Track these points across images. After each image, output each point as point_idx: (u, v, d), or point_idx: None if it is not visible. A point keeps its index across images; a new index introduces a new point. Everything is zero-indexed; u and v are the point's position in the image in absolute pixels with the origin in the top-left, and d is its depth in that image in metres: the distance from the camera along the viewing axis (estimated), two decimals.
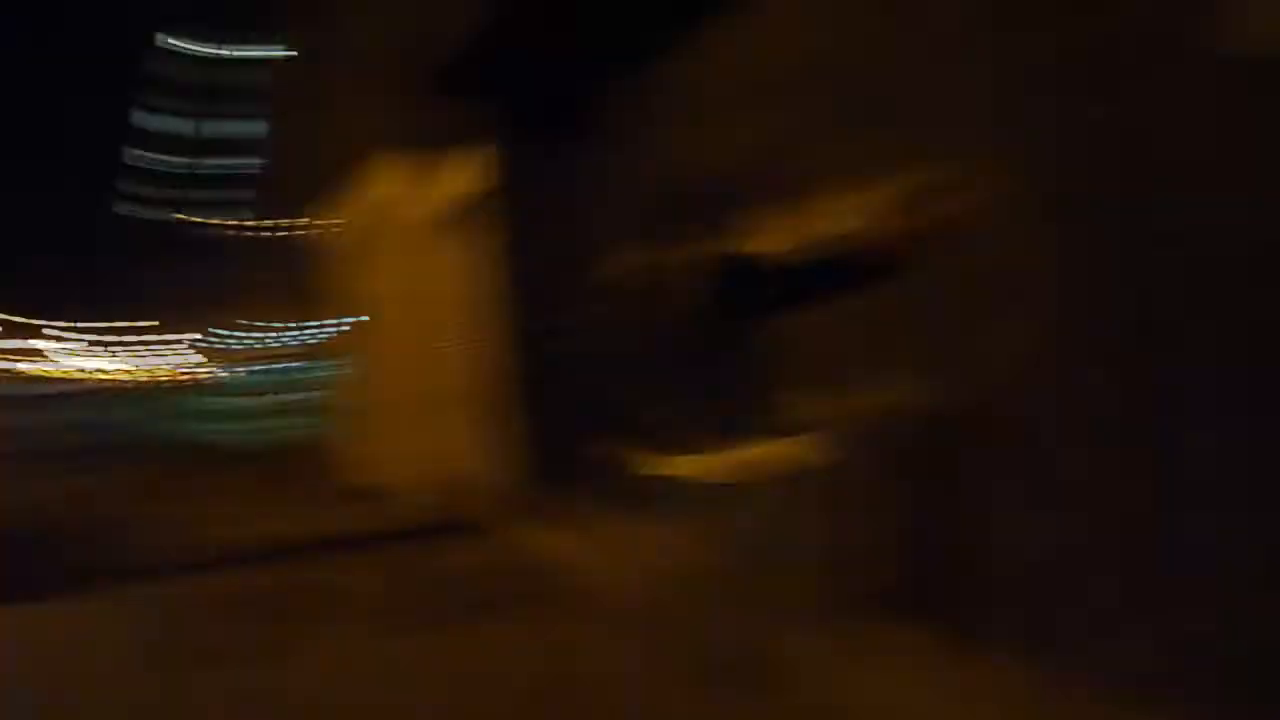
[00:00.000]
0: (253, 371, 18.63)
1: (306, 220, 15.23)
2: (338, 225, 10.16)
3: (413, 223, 7.93)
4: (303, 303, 14.06)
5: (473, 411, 6.51)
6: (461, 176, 6.44)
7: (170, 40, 48.22)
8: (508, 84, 5.62)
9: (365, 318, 9.44)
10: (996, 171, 2.93)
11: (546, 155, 5.89)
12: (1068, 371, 2.72)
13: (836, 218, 3.66)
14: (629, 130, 5.51)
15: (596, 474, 5.10)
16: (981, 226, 2.99)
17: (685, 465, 2.98)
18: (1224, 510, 2.25)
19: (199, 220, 44.60)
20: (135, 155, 48.94)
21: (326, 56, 11.31)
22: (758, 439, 2.93)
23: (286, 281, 15.13)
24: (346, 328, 10.52)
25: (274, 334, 18.03)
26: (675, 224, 4.61)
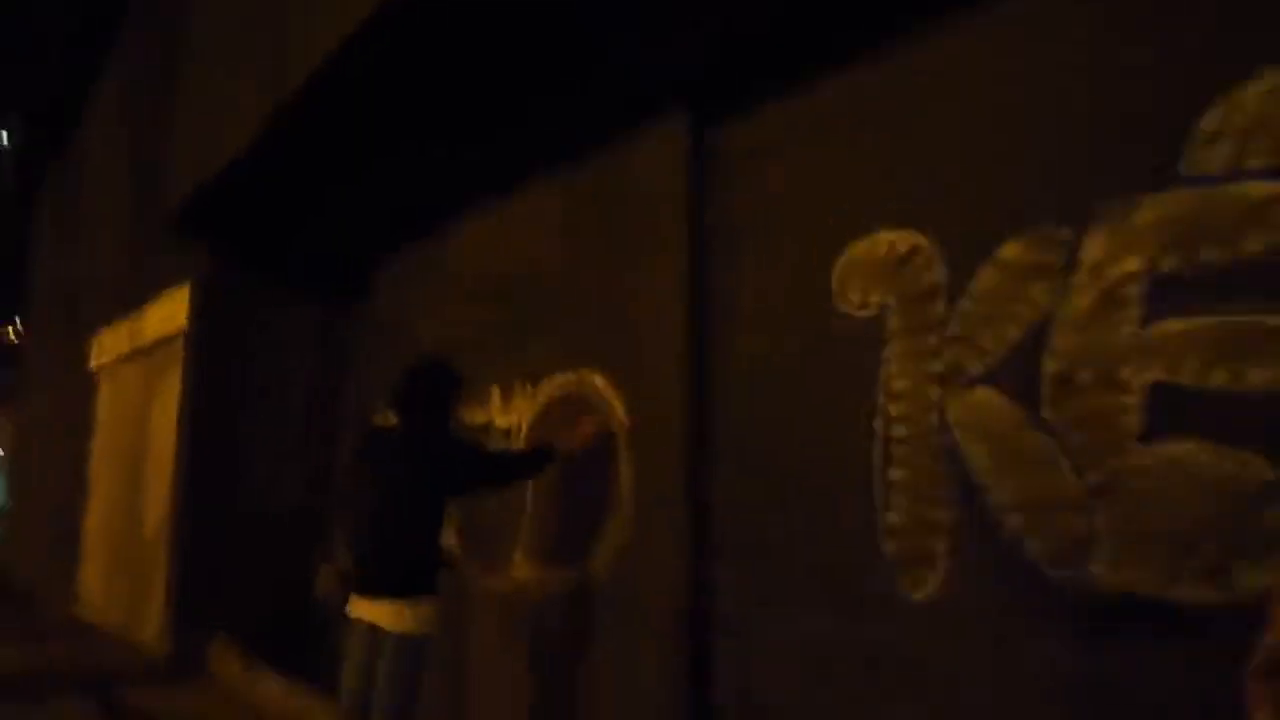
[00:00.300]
0: None
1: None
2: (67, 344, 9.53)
3: (129, 354, 7.64)
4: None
5: (160, 553, 6.19)
6: (176, 312, 6.33)
7: None
8: (228, 229, 5.70)
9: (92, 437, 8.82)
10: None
11: (259, 304, 5.95)
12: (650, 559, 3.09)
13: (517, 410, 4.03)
14: (351, 299, 5.80)
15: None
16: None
17: (372, 610, 3.02)
18: None
19: None
20: None
21: (81, 182, 10.90)
22: (420, 595, 3.05)
23: None
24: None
25: None
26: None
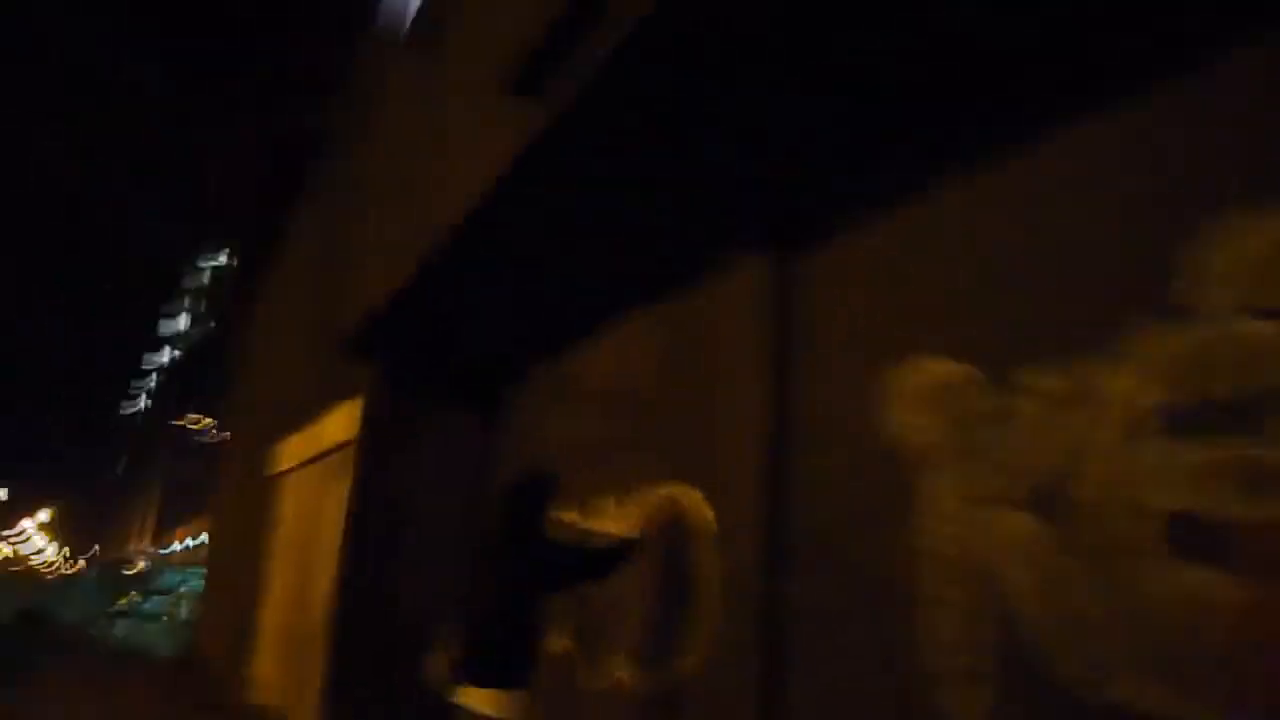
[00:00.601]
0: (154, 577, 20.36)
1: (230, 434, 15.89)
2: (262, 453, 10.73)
3: (308, 460, 8.55)
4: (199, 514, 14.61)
5: (319, 644, 6.79)
6: (345, 426, 7.11)
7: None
8: (394, 350, 6.43)
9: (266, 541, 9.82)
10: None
11: (417, 416, 6.61)
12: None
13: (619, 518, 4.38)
14: (489, 412, 6.39)
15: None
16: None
17: (475, 697, 3.38)
18: None
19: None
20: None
21: (279, 303, 12.42)
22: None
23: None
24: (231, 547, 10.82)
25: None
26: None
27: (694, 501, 3.83)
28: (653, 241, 4.10)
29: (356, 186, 8.04)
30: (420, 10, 6.43)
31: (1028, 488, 2.48)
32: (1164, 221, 2.27)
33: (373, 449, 6.60)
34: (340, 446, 7.43)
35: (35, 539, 58.30)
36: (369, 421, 6.67)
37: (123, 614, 21.41)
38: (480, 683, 3.35)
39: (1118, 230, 2.40)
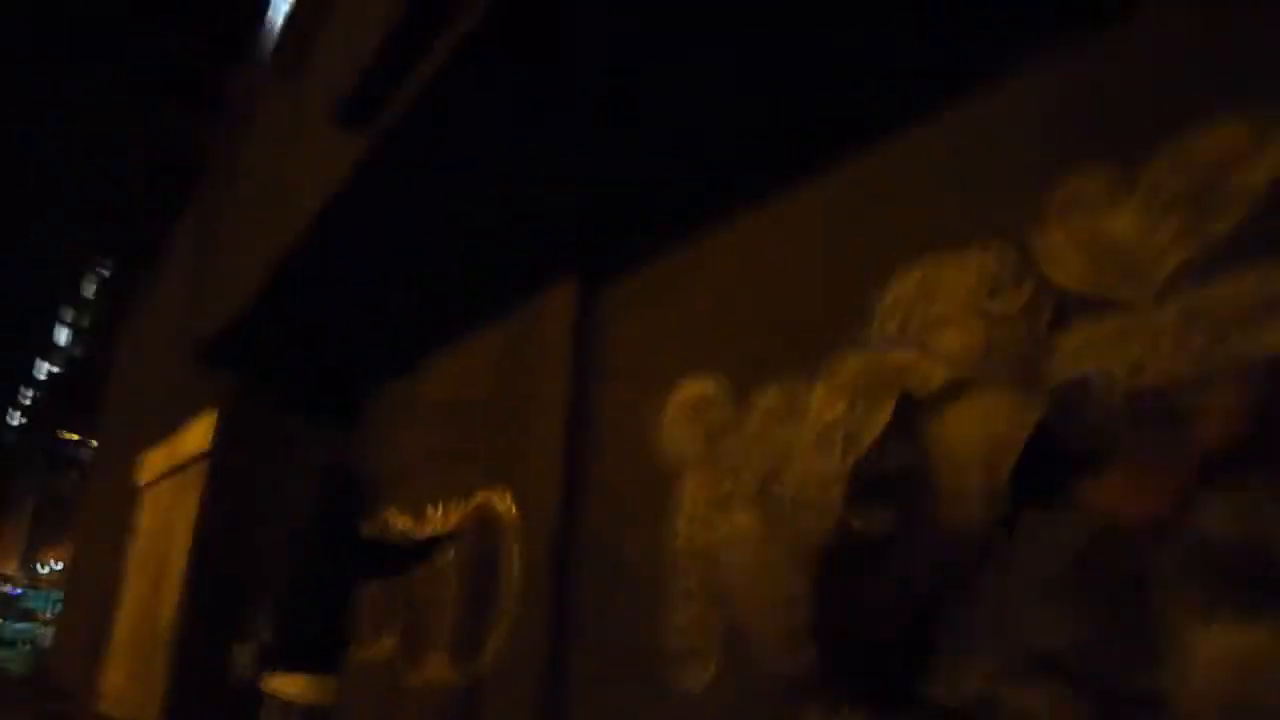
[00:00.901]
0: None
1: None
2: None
3: (167, 471, 8.52)
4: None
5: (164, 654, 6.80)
6: (202, 437, 7.17)
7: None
8: (247, 362, 6.56)
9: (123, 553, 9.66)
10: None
11: (271, 428, 6.74)
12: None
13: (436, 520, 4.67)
14: (343, 426, 6.57)
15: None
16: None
17: (283, 683, 3.56)
18: None
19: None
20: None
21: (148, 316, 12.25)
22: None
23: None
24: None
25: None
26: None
27: (506, 504, 4.14)
28: (480, 265, 4.41)
29: (227, 203, 8.13)
30: (280, 37, 6.65)
31: (751, 489, 2.88)
32: (860, 270, 2.71)
33: (224, 460, 6.69)
34: (197, 458, 7.46)
35: None
36: (221, 433, 6.76)
37: None
38: (289, 669, 3.57)
39: (823, 276, 2.84)
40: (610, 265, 3.93)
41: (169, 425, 8.79)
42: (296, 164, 5.18)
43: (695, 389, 3.26)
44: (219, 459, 6.77)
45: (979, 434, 2.14)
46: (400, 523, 4.94)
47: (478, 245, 4.24)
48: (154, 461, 9.22)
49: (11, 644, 19.78)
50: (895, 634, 2.09)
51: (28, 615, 22.11)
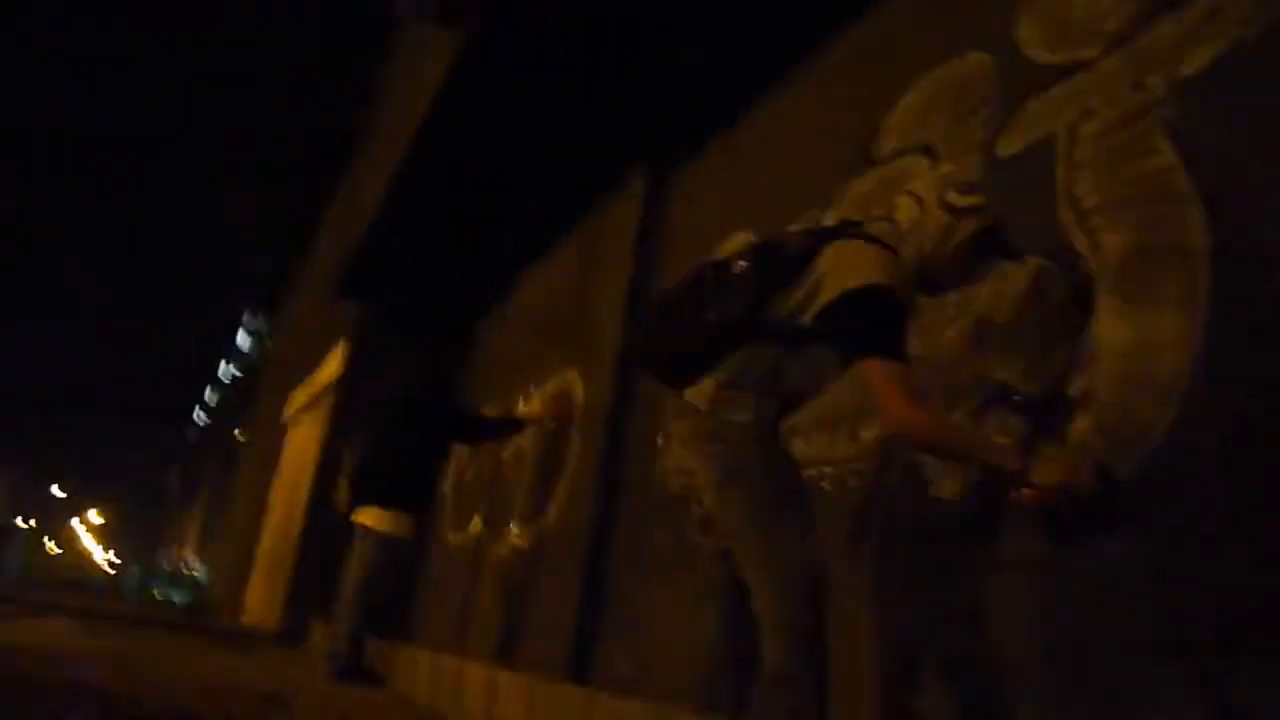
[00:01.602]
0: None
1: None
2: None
3: (306, 404, 9.35)
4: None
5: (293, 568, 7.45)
6: (332, 367, 7.87)
7: None
8: (371, 290, 7.19)
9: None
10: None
11: (393, 354, 7.32)
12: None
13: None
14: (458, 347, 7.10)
15: None
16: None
17: (369, 515, 4.22)
18: None
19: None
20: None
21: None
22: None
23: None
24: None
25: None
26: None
27: (574, 382, 4.48)
28: (559, 175, 4.78)
29: (368, 161, 8.87)
30: None
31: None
32: (866, 114, 2.89)
33: (351, 384, 7.32)
34: (331, 388, 8.16)
35: (84, 540, 59.94)
36: (349, 360, 7.41)
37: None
38: (376, 504, 4.08)
39: (844, 130, 3.04)
40: (669, 161, 4.22)
41: (312, 364, 9.64)
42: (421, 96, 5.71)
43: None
44: (347, 383, 7.41)
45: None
46: (492, 412, 5.37)
47: (559, 152, 4.59)
48: (297, 398, 10.11)
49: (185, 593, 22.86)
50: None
51: (198, 586, 25.53)
